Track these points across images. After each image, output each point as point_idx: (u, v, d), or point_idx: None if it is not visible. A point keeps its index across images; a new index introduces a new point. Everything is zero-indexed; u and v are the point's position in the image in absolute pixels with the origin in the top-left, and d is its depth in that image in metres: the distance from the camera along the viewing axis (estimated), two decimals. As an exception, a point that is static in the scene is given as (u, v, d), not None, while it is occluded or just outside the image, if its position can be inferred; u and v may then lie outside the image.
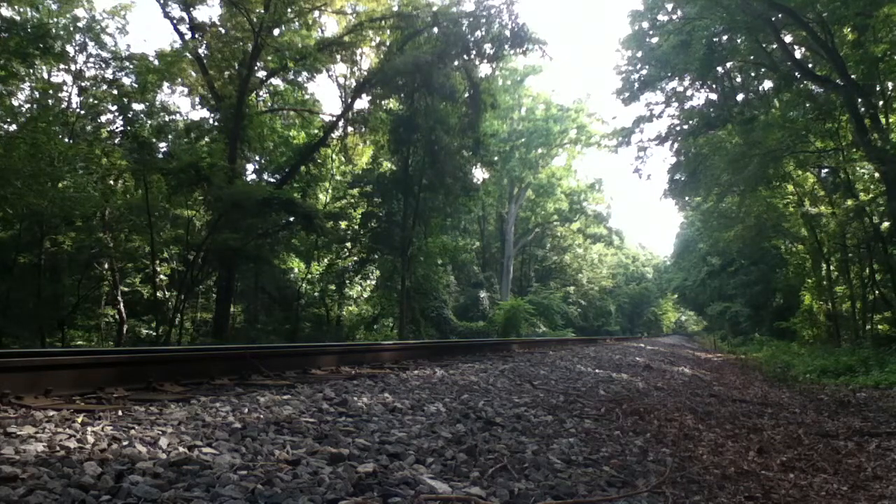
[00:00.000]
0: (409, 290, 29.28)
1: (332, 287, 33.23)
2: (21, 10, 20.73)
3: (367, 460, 3.02)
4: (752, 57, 23.70)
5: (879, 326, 24.76)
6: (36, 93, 23.82)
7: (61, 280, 22.27)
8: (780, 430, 5.66)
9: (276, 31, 26.75)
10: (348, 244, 32.85)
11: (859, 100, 19.09)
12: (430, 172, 28.49)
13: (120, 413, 3.68)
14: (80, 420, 3.36)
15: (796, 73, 21.54)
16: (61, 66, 23.24)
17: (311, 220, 23.19)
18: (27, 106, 23.58)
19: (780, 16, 18.99)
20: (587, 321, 63.00)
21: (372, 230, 30.94)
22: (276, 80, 30.14)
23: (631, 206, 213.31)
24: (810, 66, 21.65)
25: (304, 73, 29.44)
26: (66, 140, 22.27)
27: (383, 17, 28.90)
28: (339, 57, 30.23)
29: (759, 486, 3.56)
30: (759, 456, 4.42)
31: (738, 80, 28.62)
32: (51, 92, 23.82)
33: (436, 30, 28.20)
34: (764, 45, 21.89)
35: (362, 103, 30.85)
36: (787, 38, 21.48)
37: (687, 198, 35.02)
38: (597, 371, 10.43)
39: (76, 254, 22.47)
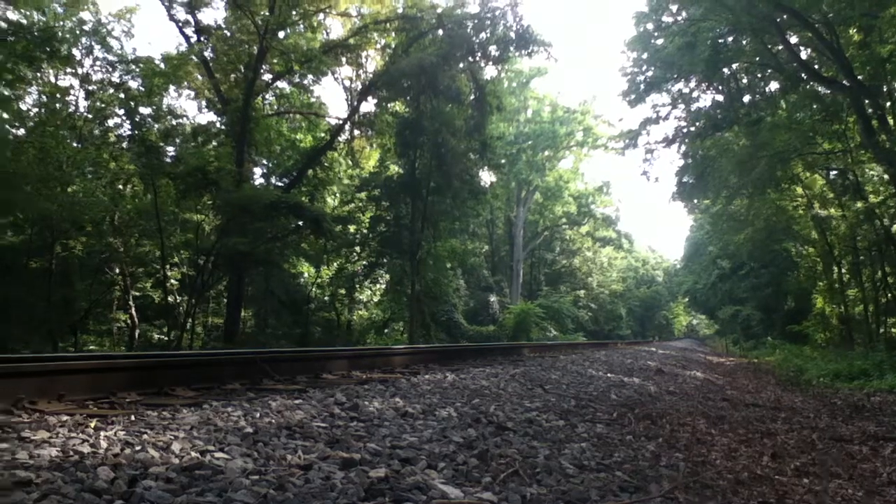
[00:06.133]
0: (419, 294, 29.25)
1: (342, 291, 33.27)
2: (28, 13, 20.82)
3: (379, 465, 3.01)
4: (757, 58, 23.60)
5: (893, 329, 24.65)
6: (43, 97, 23.90)
7: (73, 285, 22.33)
8: (793, 435, 5.63)
9: (281, 34, 26.77)
10: (357, 248, 32.87)
11: (866, 101, 18.99)
12: (437, 175, 28.44)
13: (132, 418, 3.68)
14: (93, 425, 3.36)
15: (802, 75, 21.45)
16: (68, 69, 23.30)
17: (320, 224, 23.20)
18: (35, 110, 23.68)
19: (785, 17, 18.91)
20: (598, 325, 62.81)
21: (381, 234, 30.94)
22: (281, 83, 30.17)
23: (640, 208, 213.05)
24: (816, 67, 21.56)
25: (310, 76, 29.46)
26: (75, 144, 22.36)
27: (388, 19, 28.92)
28: (344, 59, 30.24)
29: (773, 492, 3.53)
30: (773, 461, 4.39)
31: (745, 81, 28.52)
32: (58, 96, 23.89)
33: (441, 32, 28.21)
34: (769, 47, 21.80)
35: (368, 106, 30.90)
36: (793, 39, 21.37)
37: (695, 200, 34.90)
38: (608, 375, 10.40)
39: (87, 258, 22.54)
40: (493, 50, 28.71)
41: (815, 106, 22.75)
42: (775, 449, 4.77)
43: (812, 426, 6.37)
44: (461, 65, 28.37)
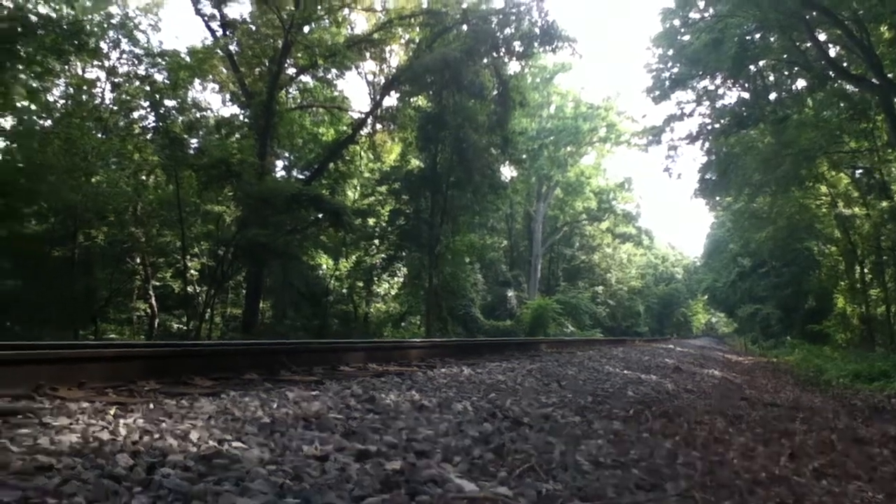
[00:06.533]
0: (437, 288, 29.29)
1: (360, 284, 33.34)
2: (57, 7, 21.02)
3: (395, 458, 3.01)
4: (785, 55, 23.34)
5: (915, 331, 24.32)
6: (70, 89, 24.12)
7: (94, 274, 22.57)
8: (812, 436, 5.57)
9: (305, 29, 26.91)
10: (376, 241, 32.94)
11: (895, 99, 18.74)
12: (458, 170, 28.46)
13: (151, 406, 3.72)
14: (112, 412, 3.40)
15: (830, 72, 21.20)
16: (95, 62, 23.50)
17: (340, 217, 23.31)
18: (62, 102, 23.91)
19: (814, 14, 18.70)
20: (615, 321, 62.51)
21: (400, 227, 30.98)
22: (305, 77, 30.28)
23: (661, 205, 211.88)
24: (845, 64, 21.29)
25: (334, 71, 29.53)
26: (100, 135, 22.57)
27: (413, 14, 28.97)
28: (368, 54, 30.33)
29: (790, 493, 3.49)
30: (791, 461, 4.34)
31: (771, 78, 28.17)
32: (85, 88, 24.11)
33: (465, 27, 28.19)
34: (797, 44, 21.56)
35: (391, 100, 30.94)
36: (822, 37, 21.11)
37: (717, 198, 34.65)
38: (625, 372, 10.34)
39: (108, 248, 22.76)
40: (517, 45, 28.65)
41: (842, 104, 22.50)
42: (793, 449, 4.72)
43: (831, 427, 6.30)
44: (485, 60, 28.34)
